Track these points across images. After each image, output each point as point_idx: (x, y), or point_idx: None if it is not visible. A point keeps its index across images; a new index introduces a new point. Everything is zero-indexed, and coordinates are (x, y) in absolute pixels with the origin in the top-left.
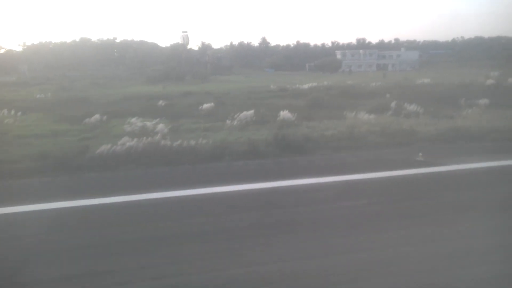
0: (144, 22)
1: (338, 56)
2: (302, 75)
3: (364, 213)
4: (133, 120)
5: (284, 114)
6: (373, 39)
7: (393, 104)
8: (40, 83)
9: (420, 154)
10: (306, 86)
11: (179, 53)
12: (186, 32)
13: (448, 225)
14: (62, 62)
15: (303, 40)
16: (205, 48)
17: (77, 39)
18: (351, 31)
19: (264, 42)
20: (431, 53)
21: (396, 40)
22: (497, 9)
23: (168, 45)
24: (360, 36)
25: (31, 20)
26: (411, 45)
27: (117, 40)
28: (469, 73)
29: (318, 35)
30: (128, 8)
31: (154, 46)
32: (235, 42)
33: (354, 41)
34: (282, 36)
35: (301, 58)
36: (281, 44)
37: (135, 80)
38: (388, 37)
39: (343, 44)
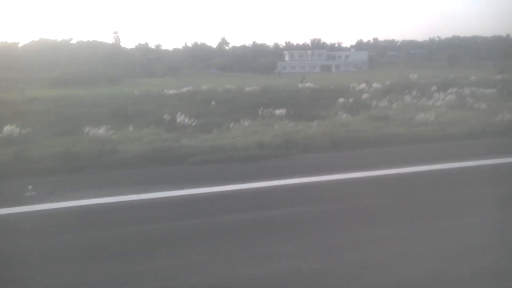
0: (95, 21)
1: (287, 57)
2: (235, 76)
3: None
4: None
5: None
6: (352, 40)
7: (166, 116)
8: None
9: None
10: (171, 91)
11: (110, 54)
12: (117, 32)
13: None
14: None
15: (261, 41)
16: (142, 48)
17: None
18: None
19: (223, 42)
20: (410, 53)
21: (360, 41)
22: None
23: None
24: (340, 37)
25: None
26: (390, 45)
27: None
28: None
29: (287, 35)
30: (77, 7)
31: (97, 46)
32: (189, 43)
33: (308, 42)
34: (243, 37)
35: (249, 59)
36: (238, 45)
37: (43, 83)
38: (367, 37)
39: (297, 45)
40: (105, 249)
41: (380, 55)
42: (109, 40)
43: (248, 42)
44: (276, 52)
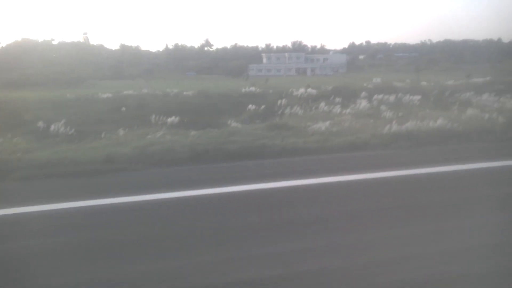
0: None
1: (264, 60)
2: (206, 79)
3: None
4: None
5: None
6: (344, 42)
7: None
8: None
9: None
10: (106, 95)
11: (79, 55)
12: (86, 33)
13: None
14: None
15: (249, 43)
16: (116, 50)
17: None
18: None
19: (207, 44)
20: (398, 56)
21: (352, 43)
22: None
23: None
24: (326, 39)
25: None
26: (382, 47)
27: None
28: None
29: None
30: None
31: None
32: (171, 45)
33: (289, 44)
34: (230, 38)
35: (228, 61)
36: (220, 47)
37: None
38: (359, 40)
39: (277, 47)
40: None
41: (371, 57)
42: (80, 40)
43: (231, 44)
44: (255, 55)
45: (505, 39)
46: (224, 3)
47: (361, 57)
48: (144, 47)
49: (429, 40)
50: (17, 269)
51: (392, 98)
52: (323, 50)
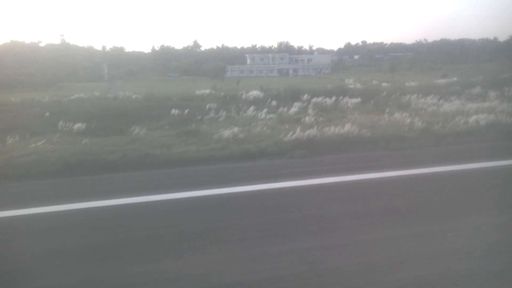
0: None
1: (248, 61)
2: (185, 80)
3: None
4: None
5: None
6: (340, 42)
7: None
8: None
9: None
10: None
11: (56, 57)
12: (63, 35)
13: None
14: None
15: (231, 44)
16: (89, 51)
17: None
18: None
19: (195, 45)
20: (393, 56)
21: (348, 44)
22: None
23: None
24: (315, 40)
25: None
26: (379, 47)
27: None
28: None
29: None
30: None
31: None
32: (157, 46)
33: (275, 45)
34: (218, 40)
35: (209, 62)
36: (208, 48)
37: None
38: (355, 40)
39: (263, 48)
40: None
41: (368, 57)
42: (57, 42)
43: (217, 45)
44: (241, 55)
45: (501, 38)
46: (216, 3)
47: (356, 57)
48: (132, 48)
49: (425, 39)
50: None
51: (331, 101)
52: (312, 51)
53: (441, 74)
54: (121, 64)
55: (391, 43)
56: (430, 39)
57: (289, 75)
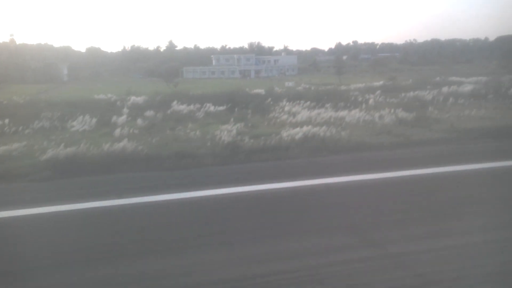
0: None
1: (214, 61)
2: (147, 83)
3: None
4: None
5: None
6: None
7: None
8: None
9: None
10: None
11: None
12: (12, 35)
13: None
14: None
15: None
16: (44, 50)
17: None
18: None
19: (171, 46)
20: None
21: (339, 44)
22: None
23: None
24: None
25: None
26: (370, 48)
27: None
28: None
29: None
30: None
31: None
32: (128, 46)
33: (246, 45)
34: (194, 40)
35: (177, 63)
36: (180, 48)
37: None
38: (346, 40)
39: (234, 48)
40: None
41: (353, 58)
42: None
43: (190, 46)
44: (208, 56)
45: (491, 38)
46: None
47: (344, 57)
48: (104, 48)
49: (415, 39)
50: None
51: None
52: (287, 51)
53: (389, 76)
54: (90, 64)
55: (382, 43)
56: (420, 39)
57: (251, 77)
